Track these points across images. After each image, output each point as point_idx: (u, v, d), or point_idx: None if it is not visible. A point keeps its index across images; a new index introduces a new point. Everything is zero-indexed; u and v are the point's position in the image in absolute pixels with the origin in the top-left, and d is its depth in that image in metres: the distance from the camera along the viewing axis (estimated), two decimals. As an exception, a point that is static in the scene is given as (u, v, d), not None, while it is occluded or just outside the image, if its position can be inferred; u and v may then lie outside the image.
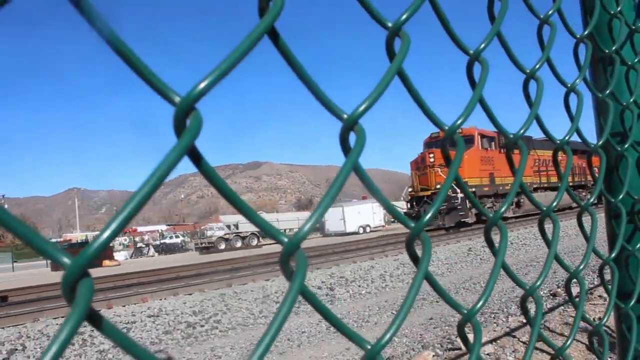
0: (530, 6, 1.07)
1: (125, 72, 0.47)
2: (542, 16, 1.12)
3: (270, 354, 7.85)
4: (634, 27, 1.46)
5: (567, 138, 1.14)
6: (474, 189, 26.27)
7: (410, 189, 29.19)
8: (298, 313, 10.31)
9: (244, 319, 10.07)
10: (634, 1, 1.50)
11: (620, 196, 1.41)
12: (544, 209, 1.13)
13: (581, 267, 1.18)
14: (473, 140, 28.10)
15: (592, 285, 8.01)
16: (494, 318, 8.09)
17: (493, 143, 29.41)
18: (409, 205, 28.67)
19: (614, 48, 1.41)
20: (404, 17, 0.72)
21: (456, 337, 6.98)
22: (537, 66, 1.07)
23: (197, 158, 0.49)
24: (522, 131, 1.00)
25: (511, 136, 1.00)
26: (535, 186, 32.57)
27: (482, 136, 28.93)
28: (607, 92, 1.38)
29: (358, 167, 0.64)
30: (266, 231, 0.62)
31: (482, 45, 0.91)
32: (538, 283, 1.02)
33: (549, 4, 1.15)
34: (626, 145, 1.44)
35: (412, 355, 6.85)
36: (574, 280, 1.23)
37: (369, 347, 0.67)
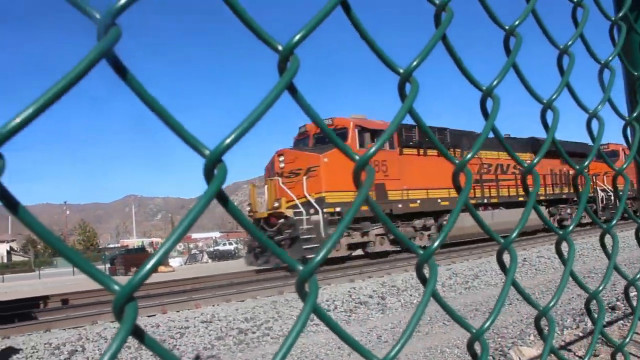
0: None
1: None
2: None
3: (320, 362, 7.88)
4: None
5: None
6: (338, 208, 18.47)
7: (248, 208, 20.41)
8: (349, 322, 10.32)
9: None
10: None
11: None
12: (560, 232, 1.12)
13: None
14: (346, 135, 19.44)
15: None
16: (521, 340, 7.90)
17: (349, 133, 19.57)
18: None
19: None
20: (414, 63, 0.78)
21: (509, 349, 6.85)
22: (554, 96, 1.09)
23: (224, 200, 0.60)
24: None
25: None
26: (478, 201, 23.89)
27: (363, 129, 20.07)
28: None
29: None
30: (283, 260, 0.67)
31: (495, 82, 0.94)
32: (552, 303, 1.03)
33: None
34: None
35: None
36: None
37: None
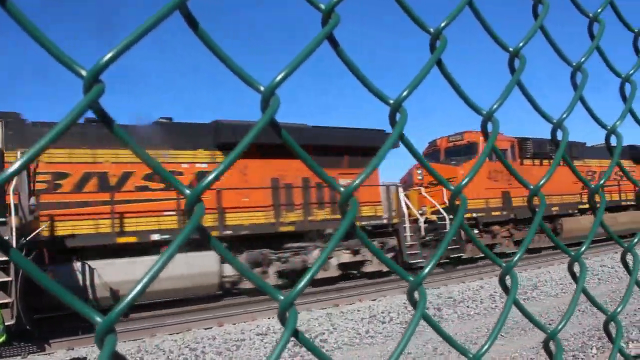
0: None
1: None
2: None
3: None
4: None
5: (618, 123, 1.11)
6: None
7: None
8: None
9: (350, 338, 10.09)
10: None
11: None
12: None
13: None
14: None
15: None
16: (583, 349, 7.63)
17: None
18: None
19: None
20: (404, 94, 0.81)
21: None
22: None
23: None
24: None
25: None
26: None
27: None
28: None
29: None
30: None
31: (495, 106, 0.95)
32: (560, 327, 1.02)
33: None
34: None
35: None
36: None
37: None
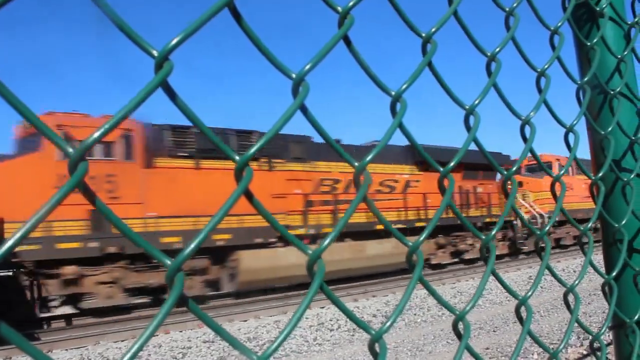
0: (528, 60, 1.13)
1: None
2: (539, 70, 1.20)
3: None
4: (619, 57, 1.52)
5: (562, 173, 1.17)
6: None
7: None
8: (352, 341, 10.26)
9: (297, 346, 10.08)
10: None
11: (624, 221, 1.42)
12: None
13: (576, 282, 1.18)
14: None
15: None
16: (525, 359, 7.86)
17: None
18: None
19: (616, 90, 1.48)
20: (404, 87, 0.87)
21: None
22: (532, 113, 1.13)
23: (250, 198, 0.68)
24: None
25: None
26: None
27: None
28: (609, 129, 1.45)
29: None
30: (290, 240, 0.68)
31: (477, 101, 1.01)
32: (530, 293, 1.06)
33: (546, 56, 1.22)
34: (632, 175, 1.47)
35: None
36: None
37: (373, 332, 0.82)
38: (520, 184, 24.20)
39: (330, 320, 12.03)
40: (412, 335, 10.44)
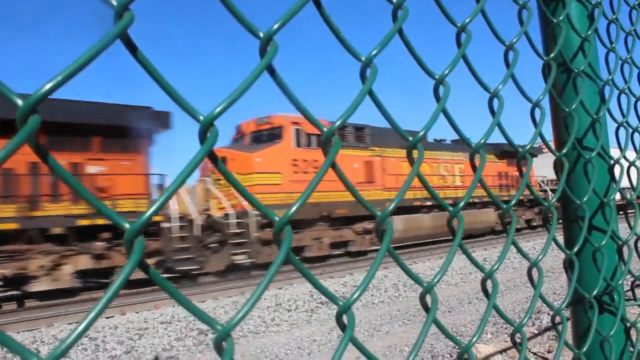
0: (497, 34, 1.13)
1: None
2: (507, 43, 1.19)
3: (280, 362, 7.87)
4: (583, 37, 1.54)
5: (528, 146, 1.18)
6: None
7: None
8: (310, 322, 10.31)
9: (255, 326, 10.08)
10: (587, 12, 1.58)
11: (585, 198, 1.44)
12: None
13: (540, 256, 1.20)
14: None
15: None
16: (505, 329, 8.04)
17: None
18: None
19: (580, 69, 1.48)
20: (374, 52, 0.85)
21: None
22: (500, 86, 1.13)
23: (215, 159, 0.67)
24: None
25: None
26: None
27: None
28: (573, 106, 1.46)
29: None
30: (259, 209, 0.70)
31: (447, 71, 1.00)
32: (496, 267, 1.06)
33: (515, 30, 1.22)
34: (593, 154, 1.49)
35: (422, 364, 6.81)
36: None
37: (341, 303, 0.79)
38: (224, 160, 16.47)
39: (288, 301, 12.06)
40: (370, 315, 10.55)
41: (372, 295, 12.64)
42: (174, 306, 11.94)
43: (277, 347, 8.64)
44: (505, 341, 6.84)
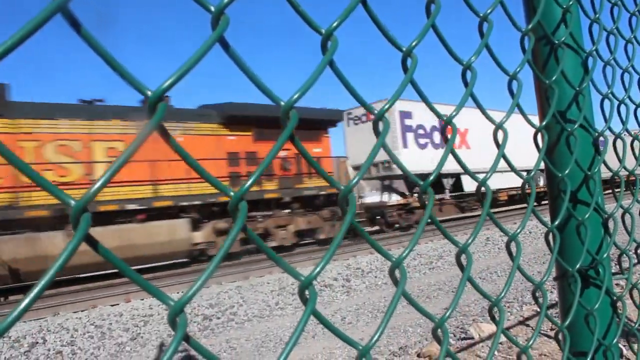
0: (470, 5, 1.12)
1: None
2: (481, 14, 1.17)
3: (283, 345, 7.90)
4: (565, 7, 1.52)
5: (505, 120, 1.17)
6: None
7: None
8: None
9: (260, 310, 10.13)
10: None
11: (567, 171, 1.42)
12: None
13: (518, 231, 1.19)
14: None
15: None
16: (508, 307, 8.06)
17: None
18: None
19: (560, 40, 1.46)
20: (334, 24, 0.82)
21: (470, 326, 6.97)
22: (473, 58, 1.11)
23: (166, 133, 0.63)
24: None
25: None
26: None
27: None
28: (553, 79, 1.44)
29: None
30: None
31: (414, 43, 0.97)
32: (470, 240, 1.06)
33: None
34: (576, 126, 1.47)
35: (424, 344, 6.84)
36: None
37: (302, 278, 0.79)
38: None
39: (292, 284, 12.09)
40: (373, 297, 10.59)
41: (376, 277, 12.68)
42: (178, 292, 12.00)
43: (282, 331, 8.69)
44: (508, 320, 6.85)
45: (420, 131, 23.21)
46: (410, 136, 22.77)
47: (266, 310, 10.19)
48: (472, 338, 6.39)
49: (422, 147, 23.17)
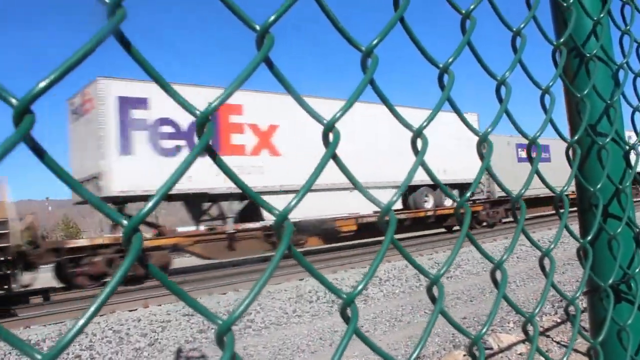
0: (504, 19, 1.11)
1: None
2: (514, 29, 1.17)
3: (302, 353, 7.89)
4: (595, 19, 1.51)
5: (539, 134, 1.16)
6: None
7: None
8: (332, 313, 10.33)
9: (277, 318, 10.13)
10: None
11: (599, 185, 1.42)
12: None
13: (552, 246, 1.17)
14: None
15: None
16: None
17: None
18: None
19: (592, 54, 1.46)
20: (375, 42, 0.83)
21: (489, 336, 6.91)
22: (507, 73, 1.11)
23: (213, 155, 0.64)
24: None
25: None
26: None
27: None
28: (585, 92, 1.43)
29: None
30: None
31: (450, 60, 0.98)
32: (505, 257, 1.05)
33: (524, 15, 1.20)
34: (607, 140, 1.45)
35: (442, 354, 6.79)
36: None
37: (344, 296, 0.79)
38: None
39: (309, 292, 12.08)
40: (390, 306, 10.54)
41: (394, 285, 12.63)
42: (196, 298, 12.01)
43: (299, 338, 8.68)
44: (528, 330, 6.79)
45: (165, 128, 15.80)
46: (139, 135, 15.39)
47: (283, 317, 10.19)
48: (492, 348, 6.34)
49: (168, 153, 15.76)
